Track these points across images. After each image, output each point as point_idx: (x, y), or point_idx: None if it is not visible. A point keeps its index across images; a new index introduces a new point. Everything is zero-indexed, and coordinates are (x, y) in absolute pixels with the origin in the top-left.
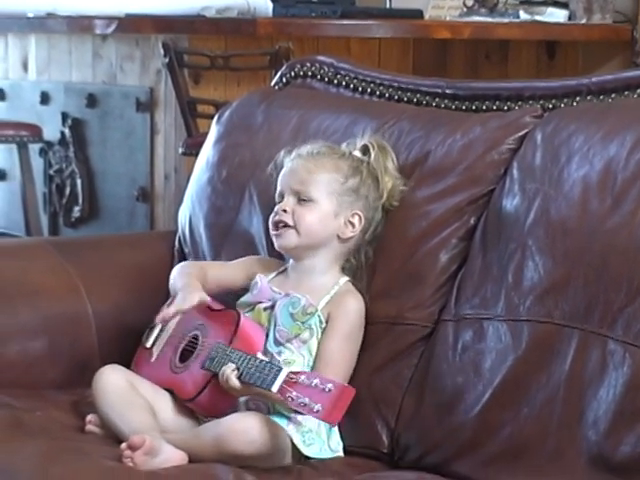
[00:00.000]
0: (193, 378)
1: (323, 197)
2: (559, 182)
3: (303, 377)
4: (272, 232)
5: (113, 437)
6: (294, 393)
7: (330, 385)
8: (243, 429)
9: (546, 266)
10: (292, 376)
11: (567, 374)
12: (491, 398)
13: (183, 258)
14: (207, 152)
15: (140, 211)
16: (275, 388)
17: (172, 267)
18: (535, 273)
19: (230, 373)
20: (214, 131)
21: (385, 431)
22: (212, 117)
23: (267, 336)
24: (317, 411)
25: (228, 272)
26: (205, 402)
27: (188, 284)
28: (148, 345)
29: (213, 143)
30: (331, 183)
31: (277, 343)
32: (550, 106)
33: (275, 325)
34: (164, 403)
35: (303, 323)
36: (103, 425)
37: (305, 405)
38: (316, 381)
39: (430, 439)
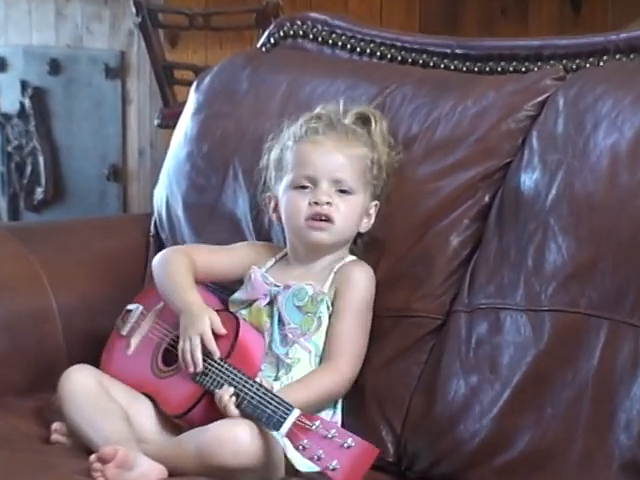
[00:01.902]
0: (182, 390)
1: (361, 188)
2: (584, 152)
3: (318, 423)
4: (308, 223)
5: (82, 448)
6: (306, 441)
7: (350, 440)
8: (231, 438)
9: (570, 248)
10: (305, 421)
11: (595, 370)
12: (510, 399)
13: (160, 244)
14: (186, 124)
15: (111, 192)
16: (284, 431)
17: (147, 254)
18: (558, 256)
19: (228, 400)
20: (193, 100)
21: (390, 437)
22: (191, 84)
23: (271, 336)
24: (333, 469)
25: (221, 261)
26: (195, 419)
27: (191, 301)
28: (124, 332)
29: (192, 114)
30: (365, 171)
31: (285, 343)
32: (574, 67)
33: (281, 323)
34: (141, 408)
35: (314, 314)
36: (71, 434)
37: (320, 459)
38: (333, 432)
39: (441, 446)
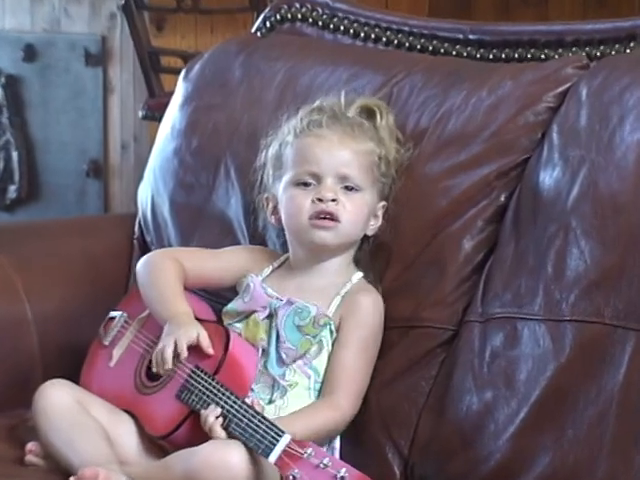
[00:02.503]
0: (166, 408)
1: (368, 186)
2: (609, 148)
3: (310, 451)
4: (311, 222)
5: (59, 470)
6: (297, 471)
7: (344, 470)
8: (222, 462)
9: (594, 253)
10: (296, 448)
11: (621, 385)
12: (527, 417)
13: (144, 247)
14: (173, 116)
15: (91, 189)
16: (273, 458)
17: (131, 258)
18: (580, 261)
19: (214, 422)
20: (181, 90)
21: (396, 459)
22: (179, 72)
23: (267, 354)
24: None
25: (213, 266)
26: (181, 441)
27: (179, 311)
28: (106, 342)
29: (180, 105)
30: (372, 167)
31: (281, 364)
32: (598, 54)
33: (278, 341)
34: (123, 427)
35: (314, 337)
36: (47, 455)
37: None
38: (326, 461)
39: (452, 469)
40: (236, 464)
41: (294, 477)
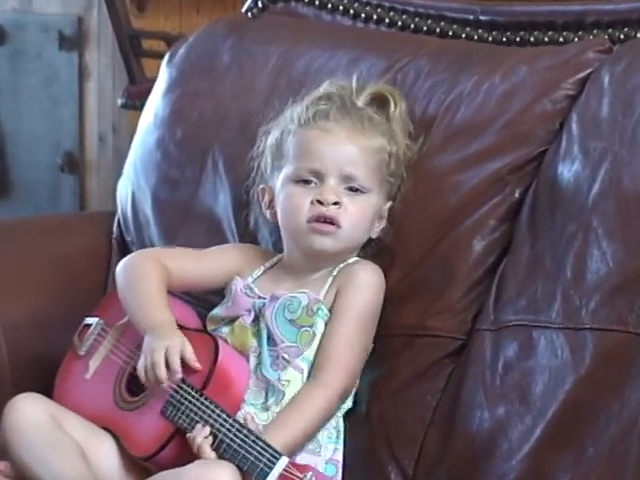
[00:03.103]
0: (149, 426)
1: (376, 187)
2: (634, 140)
3: (310, 476)
4: (310, 225)
5: None
6: None
7: None
8: None
9: (617, 255)
10: (294, 472)
11: None
12: (544, 434)
13: (124, 248)
14: (156, 104)
15: (66, 185)
16: None
17: (109, 260)
18: (602, 264)
19: (203, 441)
20: (165, 75)
21: (400, 479)
22: (162, 56)
23: (259, 358)
24: None
25: (200, 268)
26: (165, 461)
27: (161, 320)
28: (81, 352)
29: (164, 92)
30: (381, 166)
31: (276, 366)
32: (621, 37)
33: (271, 343)
34: (100, 444)
35: (311, 327)
36: (18, 476)
37: None
38: None
39: None
40: None
41: None
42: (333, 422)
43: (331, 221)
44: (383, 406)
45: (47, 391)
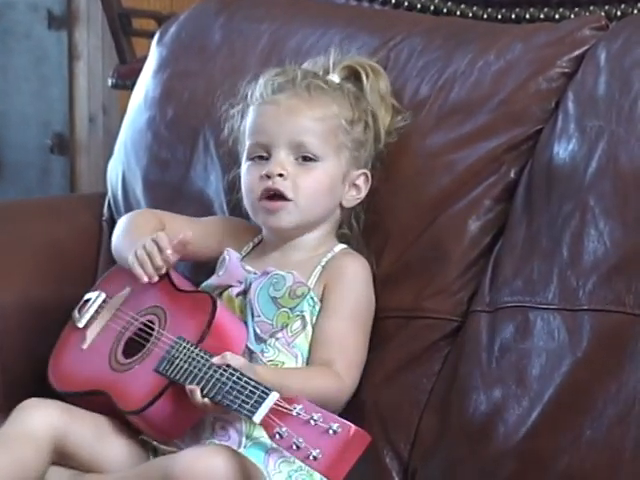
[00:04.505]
0: (142, 382)
1: (331, 154)
2: (631, 118)
3: (300, 408)
4: (260, 204)
5: None
6: (284, 429)
7: (337, 426)
8: (204, 470)
9: (614, 234)
10: (284, 404)
11: None
12: (541, 417)
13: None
14: (146, 84)
15: (56, 167)
16: (258, 418)
17: (100, 242)
18: (599, 244)
19: (193, 389)
20: (155, 55)
21: (395, 465)
22: (153, 35)
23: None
24: (314, 458)
25: (196, 234)
26: (156, 417)
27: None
28: (80, 325)
29: (154, 72)
30: (338, 133)
31: (259, 339)
32: (618, 13)
33: (253, 315)
34: (108, 455)
35: (292, 309)
36: None
37: (299, 448)
38: (317, 417)
39: (458, 475)
40: (219, 472)
41: (280, 435)
42: None
43: (280, 195)
44: (378, 389)
45: (37, 378)
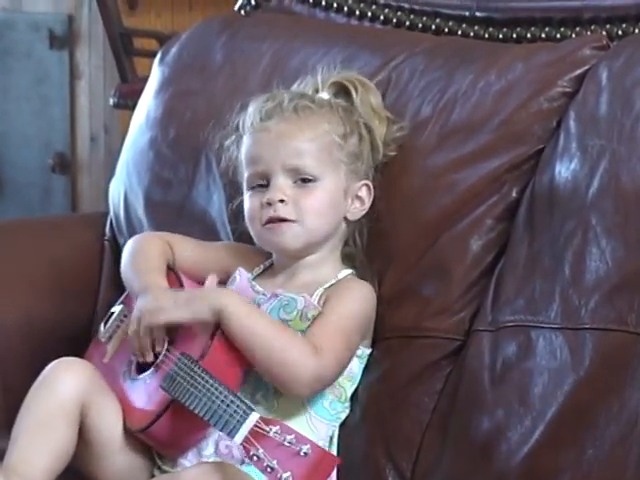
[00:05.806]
0: (148, 398)
1: (329, 172)
2: (633, 137)
3: (276, 429)
4: (265, 227)
5: None
6: (260, 451)
7: (307, 448)
8: None
9: (616, 253)
10: (262, 426)
11: None
12: (543, 436)
13: (117, 250)
14: (148, 104)
15: (57, 186)
16: (239, 439)
17: (101, 262)
18: (601, 263)
19: None
20: (157, 74)
21: None
22: (154, 55)
23: None
24: None
25: (203, 256)
26: (159, 434)
27: (151, 284)
28: (103, 339)
29: (156, 91)
30: (332, 150)
31: None
32: (619, 32)
33: None
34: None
35: (302, 332)
36: None
37: (272, 470)
38: (290, 438)
39: None
40: None
41: (257, 457)
42: (329, 431)
43: (283, 219)
44: (380, 408)
45: None
